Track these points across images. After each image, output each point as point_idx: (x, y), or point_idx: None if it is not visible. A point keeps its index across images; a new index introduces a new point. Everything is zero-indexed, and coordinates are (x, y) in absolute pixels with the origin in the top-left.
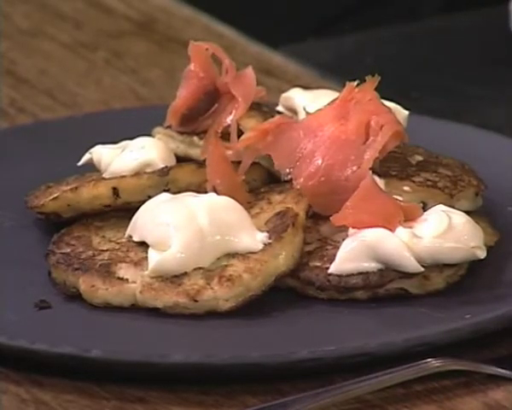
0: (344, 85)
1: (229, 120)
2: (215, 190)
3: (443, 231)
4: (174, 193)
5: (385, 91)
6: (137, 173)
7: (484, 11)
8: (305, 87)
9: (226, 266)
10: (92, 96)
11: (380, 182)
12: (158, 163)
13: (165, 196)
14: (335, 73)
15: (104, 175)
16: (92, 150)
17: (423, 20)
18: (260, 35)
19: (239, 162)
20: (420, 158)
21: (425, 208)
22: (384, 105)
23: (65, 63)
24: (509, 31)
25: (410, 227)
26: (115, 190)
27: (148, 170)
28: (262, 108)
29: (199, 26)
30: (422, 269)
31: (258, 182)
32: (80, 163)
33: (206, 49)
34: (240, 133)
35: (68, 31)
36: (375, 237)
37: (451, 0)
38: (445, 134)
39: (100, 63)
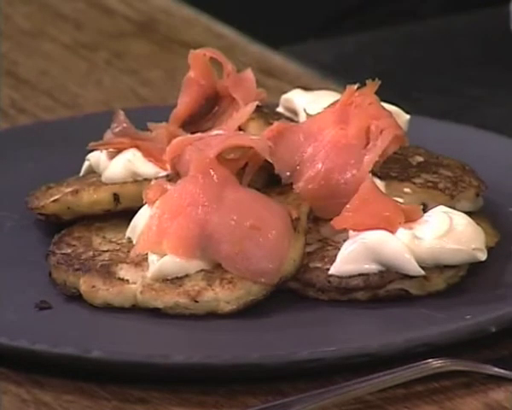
0: (344, 87)
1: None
2: None
3: (443, 233)
4: None
5: (385, 92)
6: (138, 180)
7: (484, 11)
8: (306, 88)
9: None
10: (93, 96)
11: (380, 184)
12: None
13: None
14: (336, 73)
15: (102, 178)
16: (89, 156)
17: (423, 20)
18: (261, 35)
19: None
20: (420, 159)
21: (425, 210)
22: (384, 109)
23: (65, 64)
24: (509, 31)
25: (411, 229)
26: (116, 196)
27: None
28: (262, 110)
29: (199, 26)
30: (423, 272)
31: (259, 184)
32: (82, 173)
33: (204, 55)
34: None
35: (69, 31)
36: (376, 238)
37: (451, 0)
38: (445, 135)
39: (100, 64)
